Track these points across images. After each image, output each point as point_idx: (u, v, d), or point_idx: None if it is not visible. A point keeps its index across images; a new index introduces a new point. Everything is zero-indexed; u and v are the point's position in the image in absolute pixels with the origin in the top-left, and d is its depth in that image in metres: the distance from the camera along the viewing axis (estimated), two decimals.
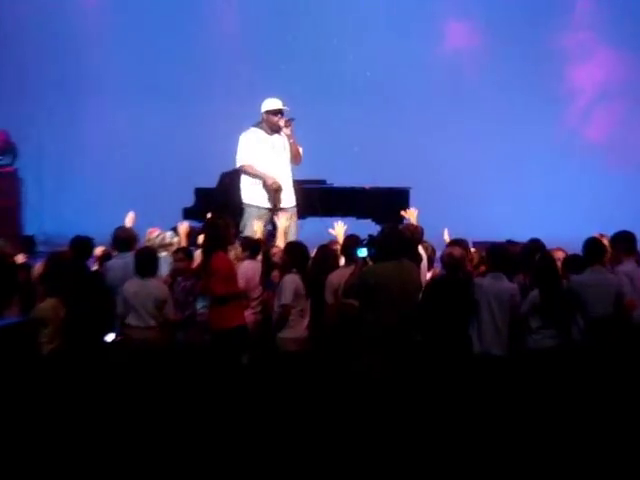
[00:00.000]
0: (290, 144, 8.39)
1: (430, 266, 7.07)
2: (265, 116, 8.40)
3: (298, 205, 8.60)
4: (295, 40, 13.58)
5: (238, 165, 8.44)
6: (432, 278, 6.81)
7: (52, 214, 13.76)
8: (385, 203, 7.86)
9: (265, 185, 8.29)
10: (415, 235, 6.97)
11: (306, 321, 6.51)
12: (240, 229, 8.23)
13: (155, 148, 13.39)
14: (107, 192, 13.38)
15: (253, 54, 13.66)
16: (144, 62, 13.59)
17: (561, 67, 13.64)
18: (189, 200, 10.77)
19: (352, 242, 6.69)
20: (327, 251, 6.97)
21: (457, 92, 13.32)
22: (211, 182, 10.75)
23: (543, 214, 12.52)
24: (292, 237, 7.88)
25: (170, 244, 7.23)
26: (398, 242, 6.12)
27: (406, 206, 7.76)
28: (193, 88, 13.53)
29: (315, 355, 6.35)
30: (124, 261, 6.77)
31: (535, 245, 6.90)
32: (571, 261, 6.60)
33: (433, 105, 13.25)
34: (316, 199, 8.86)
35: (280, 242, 7.38)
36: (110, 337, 6.46)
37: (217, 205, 9.18)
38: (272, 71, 13.58)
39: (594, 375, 6.08)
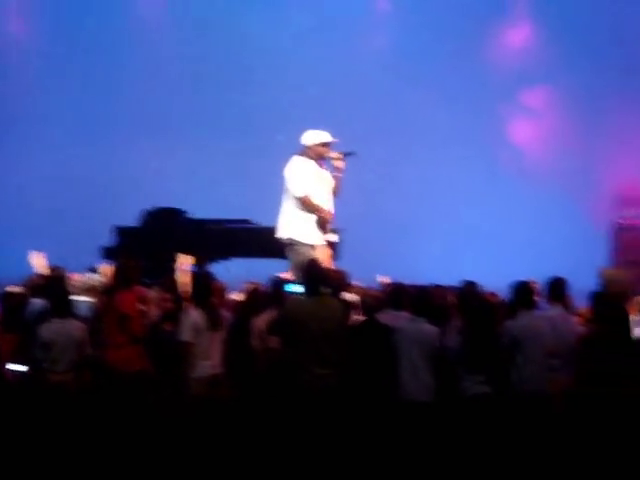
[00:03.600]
0: (336, 177, 7.76)
1: None
2: (312, 147, 7.63)
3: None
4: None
5: (298, 195, 7.47)
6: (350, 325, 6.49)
7: None
8: None
9: (320, 217, 7.55)
10: (341, 281, 6.70)
11: (213, 360, 6.17)
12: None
13: (70, 184, 12.95)
14: (19, 230, 12.81)
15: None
16: (66, 96, 13.19)
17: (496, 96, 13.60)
18: (107, 238, 10.38)
19: (278, 282, 6.61)
20: (258, 294, 6.78)
21: (381, 125, 13.30)
22: (127, 220, 10.41)
23: (471, 256, 12.49)
24: None
25: (94, 286, 7.07)
26: (316, 277, 5.94)
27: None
28: (115, 121, 13.17)
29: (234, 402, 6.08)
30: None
31: (469, 288, 6.83)
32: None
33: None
34: (241, 239, 8.68)
35: None
36: (18, 367, 6.20)
37: (149, 246, 8.84)
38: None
39: (522, 424, 5.90)
